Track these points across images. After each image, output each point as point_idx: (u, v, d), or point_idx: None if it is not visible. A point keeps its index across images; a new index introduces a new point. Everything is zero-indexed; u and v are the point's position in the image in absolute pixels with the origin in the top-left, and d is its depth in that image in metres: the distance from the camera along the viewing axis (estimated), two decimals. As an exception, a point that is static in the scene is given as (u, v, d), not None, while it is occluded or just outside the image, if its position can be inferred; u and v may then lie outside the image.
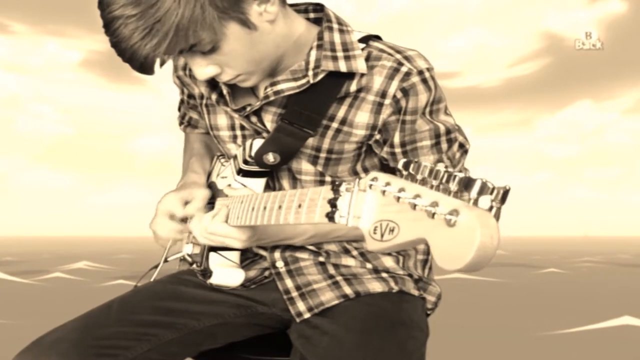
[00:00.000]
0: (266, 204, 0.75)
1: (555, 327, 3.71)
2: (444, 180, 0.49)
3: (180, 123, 1.14)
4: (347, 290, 0.93)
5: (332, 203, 0.61)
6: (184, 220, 0.95)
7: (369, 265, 0.96)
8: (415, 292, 0.96)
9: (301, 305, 0.92)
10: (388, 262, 0.97)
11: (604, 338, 3.53)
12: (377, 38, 0.91)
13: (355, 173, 0.94)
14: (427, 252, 1.02)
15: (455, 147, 0.89)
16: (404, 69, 0.85)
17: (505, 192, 0.47)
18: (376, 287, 0.93)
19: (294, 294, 0.93)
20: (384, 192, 0.53)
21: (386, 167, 0.93)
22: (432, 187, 0.50)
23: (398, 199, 0.51)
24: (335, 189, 0.61)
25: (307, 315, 0.91)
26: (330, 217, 0.61)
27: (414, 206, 0.49)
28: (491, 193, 0.47)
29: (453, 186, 0.48)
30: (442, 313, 1.04)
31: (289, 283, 0.94)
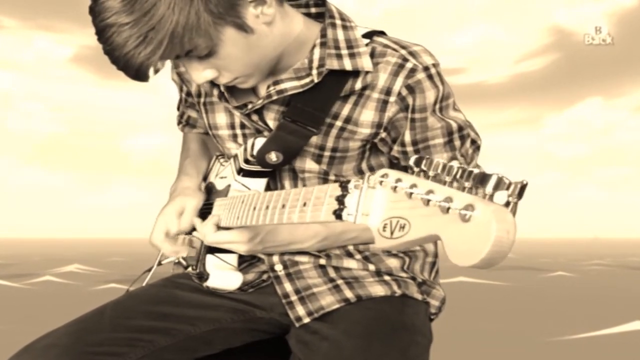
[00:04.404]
0: (269, 203, 0.74)
1: (563, 332, 3.66)
2: (457, 177, 0.48)
3: (179, 122, 1.12)
4: (348, 294, 0.90)
5: (340, 200, 0.59)
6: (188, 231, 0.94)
7: (371, 268, 0.94)
8: (419, 296, 0.94)
9: (300, 310, 0.90)
10: (392, 263, 0.95)
11: (614, 344, 3.48)
12: (382, 34, 0.89)
13: (360, 172, 0.92)
14: (437, 254, 1.00)
15: (468, 143, 0.88)
16: (409, 65, 0.84)
17: (523, 187, 0.46)
18: (378, 290, 0.91)
19: (293, 298, 0.91)
20: (395, 188, 0.52)
21: (396, 167, 0.91)
22: (445, 183, 0.49)
23: (410, 195, 0.50)
24: (344, 186, 0.59)
25: (306, 320, 0.89)
26: (337, 214, 0.59)
27: (427, 202, 0.49)
28: (507, 188, 0.46)
29: (468, 182, 0.48)
30: (446, 317, 1.02)
31: (287, 287, 0.92)
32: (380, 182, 0.54)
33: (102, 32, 0.73)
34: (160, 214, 0.95)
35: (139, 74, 0.75)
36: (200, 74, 0.81)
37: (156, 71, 0.77)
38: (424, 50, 0.86)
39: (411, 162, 0.52)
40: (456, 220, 0.46)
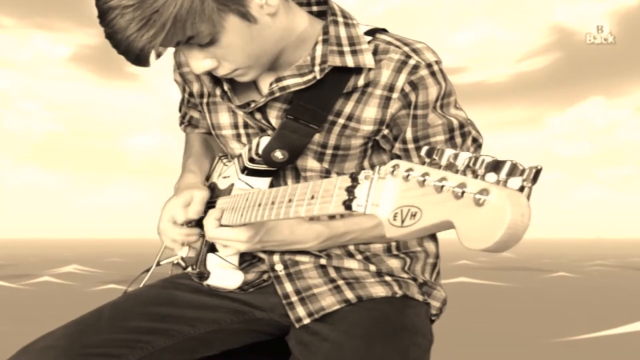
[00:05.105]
0: (274, 198, 0.73)
1: (565, 333, 3.65)
2: (470, 165, 0.48)
3: (181, 123, 1.12)
4: (349, 295, 0.90)
5: (350, 191, 0.59)
6: (190, 223, 0.94)
7: (372, 268, 0.93)
8: (420, 297, 0.94)
9: (301, 311, 0.89)
10: (393, 264, 0.94)
11: (616, 345, 3.47)
12: (384, 31, 0.89)
13: (362, 170, 0.92)
14: (438, 255, 1.00)
15: (469, 141, 0.88)
16: (411, 62, 0.84)
17: (538, 172, 0.46)
18: (379, 291, 0.91)
19: (294, 298, 0.91)
20: (406, 177, 0.52)
21: None
22: (457, 171, 0.49)
23: (422, 182, 0.50)
24: (354, 177, 0.59)
25: (306, 321, 0.89)
26: (347, 205, 0.59)
27: (440, 189, 0.48)
28: (521, 174, 0.46)
29: (480, 170, 0.47)
30: (448, 318, 1.02)
31: (288, 287, 0.92)
32: (392, 172, 0.54)
33: (105, 15, 0.73)
34: (165, 205, 0.94)
35: (139, 58, 0.75)
36: (200, 62, 0.81)
37: (158, 56, 0.76)
38: (427, 48, 0.86)
39: (423, 152, 0.52)
40: (470, 205, 0.46)
